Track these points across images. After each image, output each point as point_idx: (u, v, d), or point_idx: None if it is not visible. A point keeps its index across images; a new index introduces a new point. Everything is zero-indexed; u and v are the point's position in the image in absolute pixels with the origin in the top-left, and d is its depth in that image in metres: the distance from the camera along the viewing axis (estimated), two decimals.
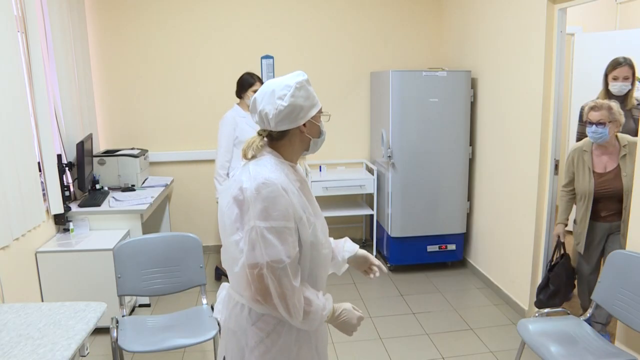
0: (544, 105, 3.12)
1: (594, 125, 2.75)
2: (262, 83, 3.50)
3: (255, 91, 3.43)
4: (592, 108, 2.78)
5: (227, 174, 3.66)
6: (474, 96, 4.09)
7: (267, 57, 4.55)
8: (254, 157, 1.48)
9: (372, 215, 4.56)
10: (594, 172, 2.86)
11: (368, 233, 4.94)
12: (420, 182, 4.09)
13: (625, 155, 2.80)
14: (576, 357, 2.20)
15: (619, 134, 2.85)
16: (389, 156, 4.06)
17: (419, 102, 3.99)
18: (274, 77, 4.56)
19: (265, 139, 1.50)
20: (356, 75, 4.71)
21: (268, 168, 1.42)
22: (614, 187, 2.81)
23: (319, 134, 1.54)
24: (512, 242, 3.55)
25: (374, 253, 4.56)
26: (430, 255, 4.22)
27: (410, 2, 4.67)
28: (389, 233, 4.19)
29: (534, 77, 3.19)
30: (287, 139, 1.49)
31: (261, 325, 1.48)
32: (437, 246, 4.20)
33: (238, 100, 3.73)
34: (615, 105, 2.76)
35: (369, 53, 4.69)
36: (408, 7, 4.67)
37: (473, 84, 4.08)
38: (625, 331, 2.37)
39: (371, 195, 4.48)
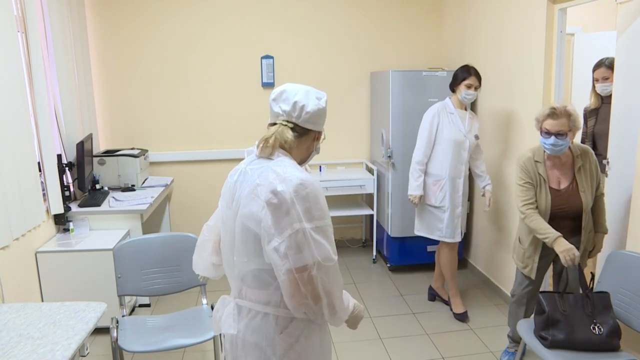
0: (543, 104, 3.12)
1: (552, 136, 2.38)
2: (477, 76, 3.23)
3: (468, 85, 3.21)
4: (550, 115, 2.39)
5: (425, 170, 3.37)
6: None
7: (267, 57, 4.55)
8: (265, 154, 1.46)
9: (372, 215, 4.56)
10: (550, 187, 2.52)
11: (368, 233, 4.94)
12: None
13: (580, 167, 2.49)
14: (576, 357, 2.20)
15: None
16: (389, 156, 4.06)
17: (419, 102, 3.99)
18: (274, 77, 4.56)
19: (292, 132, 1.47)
20: (356, 75, 4.71)
21: (295, 168, 1.41)
22: (572, 205, 2.49)
23: (316, 147, 1.57)
24: (512, 242, 3.55)
25: (374, 253, 4.56)
26: (430, 255, 4.21)
27: (410, 2, 4.67)
28: (389, 233, 4.19)
29: (534, 77, 3.19)
30: (304, 139, 1.50)
31: (290, 331, 1.45)
32: (437, 246, 4.19)
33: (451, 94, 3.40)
34: (574, 110, 2.42)
35: (369, 53, 4.69)
36: (408, 7, 4.67)
37: None
38: (625, 331, 2.36)
39: (371, 195, 4.48)
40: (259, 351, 1.45)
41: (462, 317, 3.38)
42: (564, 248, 2.36)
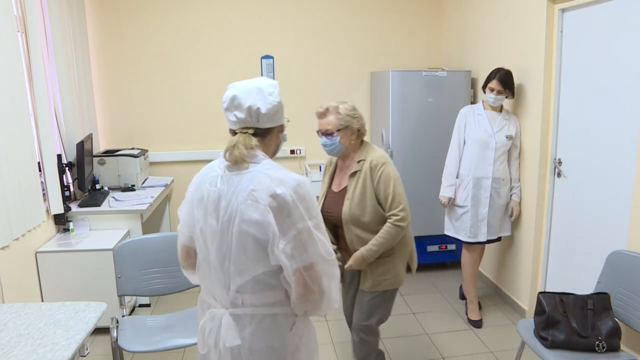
0: (544, 104, 3.12)
1: (324, 136, 2.21)
2: (500, 81, 3.16)
3: (491, 88, 3.17)
4: (318, 115, 2.22)
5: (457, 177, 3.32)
6: (474, 96, 4.09)
7: (267, 57, 4.55)
8: (244, 160, 1.42)
9: None
10: (329, 188, 2.35)
11: None
12: (420, 182, 4.09)
13: (356, 172, 2.22)
14: (576, 357, 2.20)
15: (370, 146, 2.28)
16: (389, 156, 4.05)
17: (418, 102, 3.99)
18: (274, 77, 4.56)
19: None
20: (356, 75, 4.71)
21: (285, 169, 1.42)
22: (337, 211, 2.25)
23: (283, 136, 1.57)
24: (512, 242, 3.55)
25: None
26: (430, 255, 4.22)
27: (410, 2, 4.67)
28: None
29: (535, 77, 3.19)
30: (269, 138, 1.49)
31: (298, 325, 1.49)
32: (437, 246, 4.20)
33: None
34: (345, 107, 2.19)
35: (369, 53, 4.69)
36: (408, 7, 4.67)
37: (473, 84, 4.08)
38: (626, 331, 2.37)
39: None
40: (271, 353, 1.45)
41: (477, 324, 3.32)
42: None
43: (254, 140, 1.43)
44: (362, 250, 2.19)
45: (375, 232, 2.20)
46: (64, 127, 3.56)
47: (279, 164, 1.45)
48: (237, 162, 1.42)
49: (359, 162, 2.23)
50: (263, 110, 1.41)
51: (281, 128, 1.52)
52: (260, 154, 1.45)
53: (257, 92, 1.42)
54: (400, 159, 4.05)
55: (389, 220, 2.18)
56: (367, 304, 2.32)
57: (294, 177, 1.39)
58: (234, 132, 1.47)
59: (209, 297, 1.54)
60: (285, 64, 4.58)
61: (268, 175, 1.38)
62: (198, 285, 2.71)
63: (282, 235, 1.34)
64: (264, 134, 1.47)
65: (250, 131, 1.43)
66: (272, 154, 1.53)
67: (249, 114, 1.42)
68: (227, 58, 4.50)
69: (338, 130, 2.18)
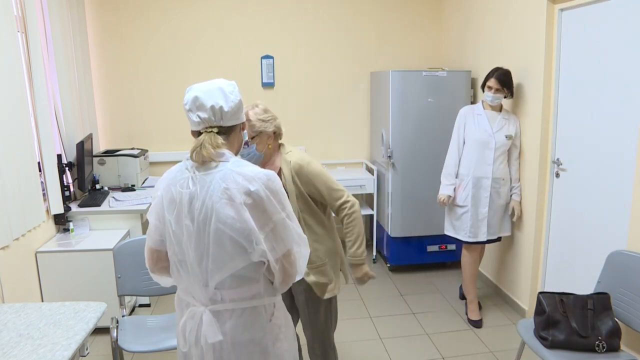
0: (543, 104, 3.12)
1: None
2: (499, 80, 3.18)
3: (489, 87, 3.20)
4: None
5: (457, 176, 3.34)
6: (474, 96, 4.09)
7: (267, 57, 4.55)
8: (212, 159, 1.42)
9: (372, 215, 4.56)
10: None
11: (368, 233, 4.94)
12: (420, 182, 4.09)
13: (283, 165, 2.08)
14: (576, 357, 2.20)
15: (289, 146, 2.13)
16: (389, 156, 4.06)
17: (418, 102, 3.99)
18: (274, 77, 4.56)
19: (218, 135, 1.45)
20: (356, 75, 4.71)
21: (254, 165, 1.46)
22: None
23: (243, 135, 1.60)
24: (512, 242, 3.55)
25: (374, 253, 4.56)
26: (430, 255, 4.22)
27: (410, 2, 4.67)
28: (389, 233, 4.19)
29: (535, 77, 3.19)
30: (232, 136, 1.51)
31: (277, 314, 1.54)
32: (437, 246, 4.20)
33: None
34: (254, 111, 2.04)
35: (369, 53, 4.69)
36: (408, 7, 4.68)
37: (473, 84, 4.08)
38: (626, 331, 2.37)
39: (371, 195, 4.48)
40: (252, 345, 1.49)
41: (477, 324, 3.32)
42: None
43: (220, 139, 1.44)
44: (348, 259, 2.14)
45: (322, 224, 2.13)
46: (64, 127, 3.56)
47: (245, 161, 1.49)
48: (205, 162, 1.44)
49: (285, 154, 2.09)
50: (226, 109, 1.43)
51: (243, 126, 1.56)
52: (226, 152, 1.46)
53: (218, 91, 1.44)
54: (400, 159, 4.05)
55: (341, 215, 2.09)
56: (314, 315, 2.24)
57: (264, 172, 1.42)
58: (197, 133, 1.47)
59: (187, 297, 1.55)
60: (285, 64, 4.58)
61: (239, 172, 1.40)
62: None
63: (260, 229, 1.39)
64: (228, 132, 1.49)
65: (215, 130, 1.45)
66: (236, 151, 1.55)
67: (213, 113, 1.43)
68: (227, 58, 4.50)
69: (252, 138, 2.01)
